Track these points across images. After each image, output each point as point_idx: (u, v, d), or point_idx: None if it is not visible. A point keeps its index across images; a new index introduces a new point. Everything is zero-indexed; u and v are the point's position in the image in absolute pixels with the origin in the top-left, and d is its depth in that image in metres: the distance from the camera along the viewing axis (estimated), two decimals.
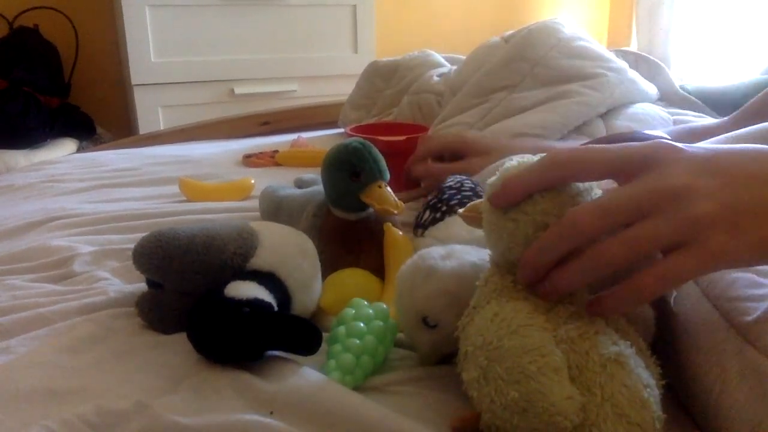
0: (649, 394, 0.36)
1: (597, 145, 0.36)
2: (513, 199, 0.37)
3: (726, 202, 0.33)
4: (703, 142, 0.55)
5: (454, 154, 0.85)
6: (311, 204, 0.67)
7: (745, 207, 0.33)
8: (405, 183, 0.86)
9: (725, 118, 0.84)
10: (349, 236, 0.63)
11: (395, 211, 0.61)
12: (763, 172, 0.35)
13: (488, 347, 0.37)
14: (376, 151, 0.62)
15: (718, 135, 0.66)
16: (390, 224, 0.64)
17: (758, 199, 0.34)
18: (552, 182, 0.37)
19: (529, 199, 0.37)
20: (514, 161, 0.40)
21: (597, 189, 0.39)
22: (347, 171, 0.61)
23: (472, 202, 0.45)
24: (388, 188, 0.62)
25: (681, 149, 0.36)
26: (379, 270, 0.62)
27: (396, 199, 0.62)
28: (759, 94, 0.79)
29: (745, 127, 0.58)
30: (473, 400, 0.38)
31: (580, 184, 0.38)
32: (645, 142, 0.36)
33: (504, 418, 0.36)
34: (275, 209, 0.74)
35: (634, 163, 0.35)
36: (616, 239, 0.34)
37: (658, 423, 0.36)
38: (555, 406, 0.34)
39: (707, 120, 1.01)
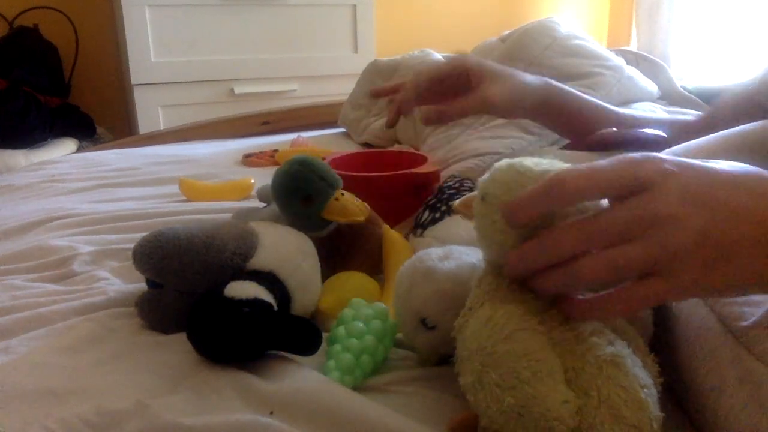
0: (646, 394, 0.36)
1: (597, 166, 0.36)
2: (523, 221, 0.37)
3: (707, 237, 0.34)
4: (700, 141, 0.55)
5: (456, 85, 0.75)
6: None
7: (724, 243, 0.34)
8: (394, 217, 0.75)
9: (697, 118, 0.82)
10: (326, 251, 0.61)
11: (362, 219, 0.60)
12: (758, 209, 0.34)
13: (482, 352, 0.36)
14: (319, 165, 0.59)
15: (694, 134, 0.66)
16: (388, 227, 0.63)
17: (741, 235, 0.34)
18: (556, 206, 0.37)
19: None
20: (504, 163, 0.40)
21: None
22: (298, 198, 0.59)
23: (467, 195, 0.44)
24: (346, 194, 0.60)
25: (676, 173, 0.35)
26: (369, 272, 0.62)
27: (357, 202, 0.60)
28: (731, 95, 0.77)
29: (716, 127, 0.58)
30: (470, 403, 0.39)
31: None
32: (642, 160, 0.36)
33: (501, 422, 0.36)
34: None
35: (626, 187, 0.36)
36: (593, 259, 0.35)
37: (655, 423, 0.36)
38: (551, 411, 0.34)
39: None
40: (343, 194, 0.60)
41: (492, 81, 0.73)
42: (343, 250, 0.63)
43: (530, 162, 0.39)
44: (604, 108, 0.84)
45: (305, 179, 0.59)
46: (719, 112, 0.76)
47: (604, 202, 0.37)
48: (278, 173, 0.60)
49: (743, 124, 0.55)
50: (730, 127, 0.56)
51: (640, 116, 0.87)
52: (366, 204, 0.62)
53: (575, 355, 0.36)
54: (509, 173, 0.39)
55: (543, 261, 0.37)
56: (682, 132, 0.75)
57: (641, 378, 0.37)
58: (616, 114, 0.84)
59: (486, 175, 0.40)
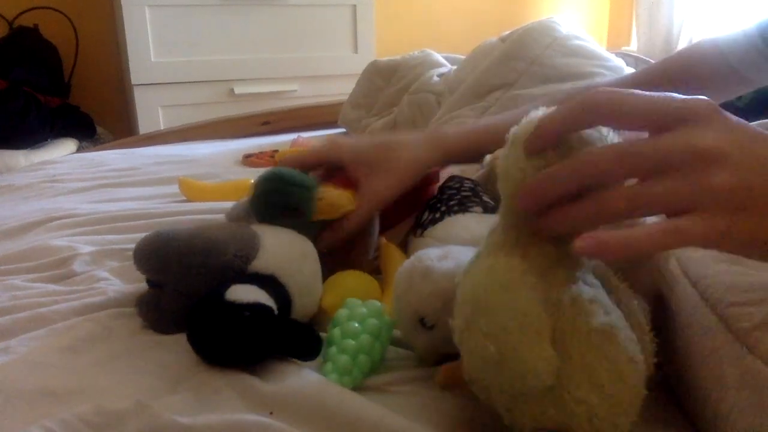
0: (631, 369, 0.36)
1: (635, 91, 0.34)
2: (548, 139, 0.35)
3: (742, 183, 0.32)
4: None
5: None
6: None
7: (756, 193, 0.32)
8: (394, 217, 0.71)
9: (625, 76, 0.79)
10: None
11: (352, 208, 0.59)
12: None
13: (476, 299, 0.36)
14: (288, 174, 0.58)
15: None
16: (384, 239, 0.63)
17: None
18: (586, 124, 0.35)
19: (539, 154, 0.36)
20: (540, 110, 0.38)
21: (612, 137, 0.37)
22: (286, 216, 0.58)
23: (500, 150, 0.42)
24: (325, 189, 0.59)
25: (727, 116, 0.33)
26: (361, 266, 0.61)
27: (339, 192, 0.59)
28: (659, 62, 0.76)
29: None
30: (458, 348, 0.38)
31: (594, 136, 0.36)
32: (688, 97, 0.34)
33: (481, 371, 0.36)
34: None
35: (670, 115, 0.33)
36: (625, 191, 0.32)
37: (635, 399, 0.36)
38: (528, 364, 0.34)
39: None
40: (323, 191, 0.59)
41: (374, 171, 0.63)
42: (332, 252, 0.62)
43: None
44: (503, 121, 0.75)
45: (283, 194, 0.57)
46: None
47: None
48: (254, 198, 0.58)
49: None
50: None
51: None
52: (350, 191, 0.61)
53: (567, 318, 0.36)
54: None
55: (573, 182, 0.33)
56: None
57: (630, 351, 0.36)
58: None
59: (521, 123, 0.38)
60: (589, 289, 0.38)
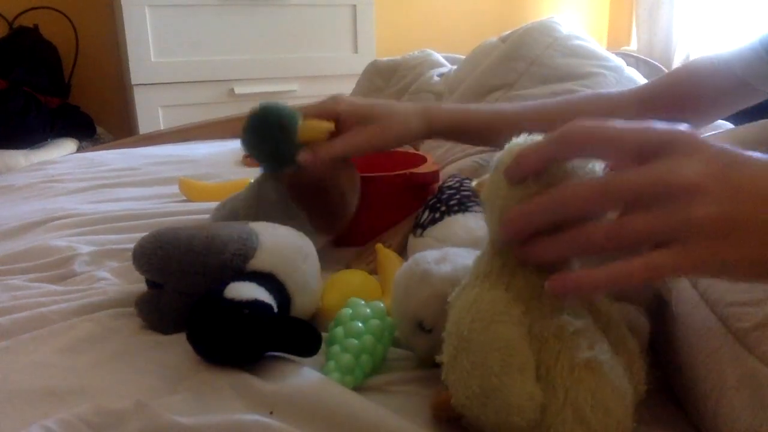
0: (617, 402, 0.36)
1: (613, 122, 0.34)
2: (527, 170, 0.36)
3: (725, 213, 0.32)
4: (717, 136, 0.55)
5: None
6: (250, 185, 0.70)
7: (740, 222, 0.32)
8: (393, 217, 0.74)
9: (628, 91, 0.78)
10: (296, 191, 0.66)
11: (332, 127, 0.65)
12: None
13: (459, 336, 0.37)
14: (277, 103, 0.66)
15: (621, 105, 0.69)
16: (381, 245, 0.65)
17: (763, 219, 0.32)
18: (563, 157, 0.35)
19: (520, 183, 0.36)
20: (522, 137, 0.39)
21: (595, 167, 0.37)
22: (276, 129, 0.64)
23: (484, 177, 0.43)
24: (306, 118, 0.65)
25: (704, 143, 0.34)
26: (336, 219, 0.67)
27: (318, 121, 0.65)
28: (664, 77, 0.77)
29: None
30: (444, 380, 0.39)
31: (576, 166, 0.37)
32: (666, 126, 0.34)
33: (467, 405, 0.37)
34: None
35: (651, 146, 0.34)
36: (605, 227, 0.33)
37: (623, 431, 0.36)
38: (513, 404, 0.35)
39: None
40: (308, 118, 0.65)
41: (366, 122, 0.68)
42: (313, 193, 0.66)
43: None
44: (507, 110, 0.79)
45: (276, 109, 0.65)
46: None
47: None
48: (250, 118, 0.65)
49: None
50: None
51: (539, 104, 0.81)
52: (332, 122, 0.66)
53: (551, 352, 0.36)
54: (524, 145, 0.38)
55: (553, 215, 0.34)
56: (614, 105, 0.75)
57: (615, 384, 0.36)
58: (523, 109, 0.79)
59: (502, 150, 0.39)
60: (574, 319, 0.38)
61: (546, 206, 0.34)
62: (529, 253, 0.36)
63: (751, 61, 0.67)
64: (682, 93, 0.72)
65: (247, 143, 0.67)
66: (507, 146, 0.38)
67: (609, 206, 0.34)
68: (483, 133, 0.76)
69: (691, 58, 2.20)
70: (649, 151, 0.33)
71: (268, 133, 0.65)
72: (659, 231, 0.32)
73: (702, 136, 0.35)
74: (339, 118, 0.68)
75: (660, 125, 0.34)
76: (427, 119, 0.73)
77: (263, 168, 0.69)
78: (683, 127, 0.35)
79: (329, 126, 0.65)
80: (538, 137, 0.38)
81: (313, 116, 0.66)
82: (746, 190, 0.33)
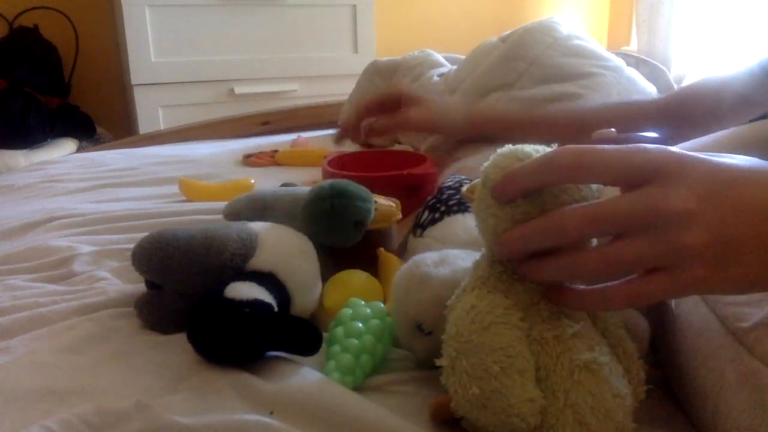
0: (616, 404, 0.36)
1: (601, 147, 0.35)
2: (511, 195, 0.36)
3: (718, 236, 0.32)
4: (709, 137, 0.55)
5: (394, 109, 0.88)
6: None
7: (736, 242, 0.33)
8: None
9: (651, 100, 0.84)
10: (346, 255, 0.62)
11: (400, 216, 0.64)
12: None
13: (459, 339, 0.37)
14: (353, 189, 0.59)
15: (649, 114, 0.73)
16: (382, 249, 0.64)
17: (754, 233, 0.33)
18: (551, 183, 0.36)
19: (509, 202, 0.37)
20: (506, 149, 0.39)
21: (592, 190, 0.38)
22: (351, 228, 0.59)
23: (473, 182, 0.44)
24: (377, 199, 0.62)
25: (694, 167, 0.34)
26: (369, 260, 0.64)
27: (388, 203, 0.64)
28: (676, 93, 0.82)
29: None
30: (443, 384, 0.39)
31: (568, 185, 0.37)
32: (655, 150, 0.35)
33: (467, 409, 0.37)
34: (261, 208, 0.69)
35: (638, 172, 0.34)
36: (598, 254, 0.34)
37: None
38: (513, 407, 0.35)
39: None
40: (376, 201, 0.62)
41: (417, 104, 0.86)
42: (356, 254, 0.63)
43: (531, 149, 0.38)
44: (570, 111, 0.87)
45: (351, 209, 0.58)
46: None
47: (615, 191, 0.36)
48: (318, 211, 0.58)
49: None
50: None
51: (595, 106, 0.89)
52: (394, 199, 0.65)
53: (550, 355, 0.36)
54: (509, 158, 0.38)
55: (542, 242, 0.35)
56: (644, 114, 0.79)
57: (615, 386, 0.36)
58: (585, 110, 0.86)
59: (488, 162, 0.39)
60: (573, 323, 0.38)
61: (540, 233, 0.35)
62: (526, 271, 0.37)
63: (756, 87, 0.69)
64: (687, 115, 0.75)
65: (308, 229, 0.59)
66: (492, 159, 0.39)
67: (599, 234, 0.35)
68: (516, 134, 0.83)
69: (691, 58, 2.20)
70: (639, 176, 0.34)
71: (338, 226, 0.59)
72: (651, 258, 0.33)
73: (700, 141, 0.36)
74: (401, 96, 0.85)
75: (650, 148, 0.35)
76: (470, 117, 0.88)
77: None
78: (673, 148, 0.35)
79: (398, 215, 0.65)
80: (521, 148, 0.38)
81: (381, 189, 0.66)
82: (743, 209, 0.33)
